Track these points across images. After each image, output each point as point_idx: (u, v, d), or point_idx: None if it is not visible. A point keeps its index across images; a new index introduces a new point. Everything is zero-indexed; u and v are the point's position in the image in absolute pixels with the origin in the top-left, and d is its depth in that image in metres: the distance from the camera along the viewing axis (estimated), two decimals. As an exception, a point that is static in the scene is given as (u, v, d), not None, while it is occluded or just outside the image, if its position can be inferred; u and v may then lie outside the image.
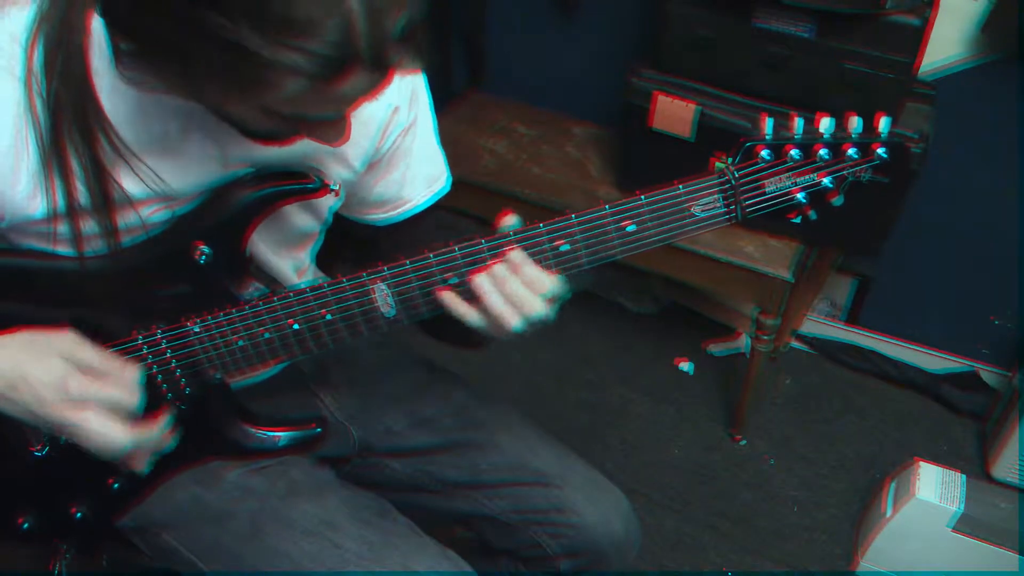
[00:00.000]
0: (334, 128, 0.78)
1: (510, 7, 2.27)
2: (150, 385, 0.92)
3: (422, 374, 1.23)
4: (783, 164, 0.83)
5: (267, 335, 0.92)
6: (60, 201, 0.80)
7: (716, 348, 2.40)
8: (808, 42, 1.64)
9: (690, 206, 0.85)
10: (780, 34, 1.65)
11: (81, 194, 0.80)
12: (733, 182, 0.84)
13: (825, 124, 0.82)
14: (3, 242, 0.87)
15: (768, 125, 0.83)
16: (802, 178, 0.84)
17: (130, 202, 0.83)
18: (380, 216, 1.08)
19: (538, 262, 0.87)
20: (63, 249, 0.85)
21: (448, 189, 1.11)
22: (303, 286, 0.90)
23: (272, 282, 1.00)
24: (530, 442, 1.17)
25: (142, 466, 0.93)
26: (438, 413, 1.18)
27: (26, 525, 1.01)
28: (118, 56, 0.74)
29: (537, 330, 0.89)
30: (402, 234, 1.09)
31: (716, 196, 0.85)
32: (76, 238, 0.83)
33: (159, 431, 0.92)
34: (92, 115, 0.76)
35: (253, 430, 1.01)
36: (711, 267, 1.83)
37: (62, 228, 0.82)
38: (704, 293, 2.42)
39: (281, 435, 1.02)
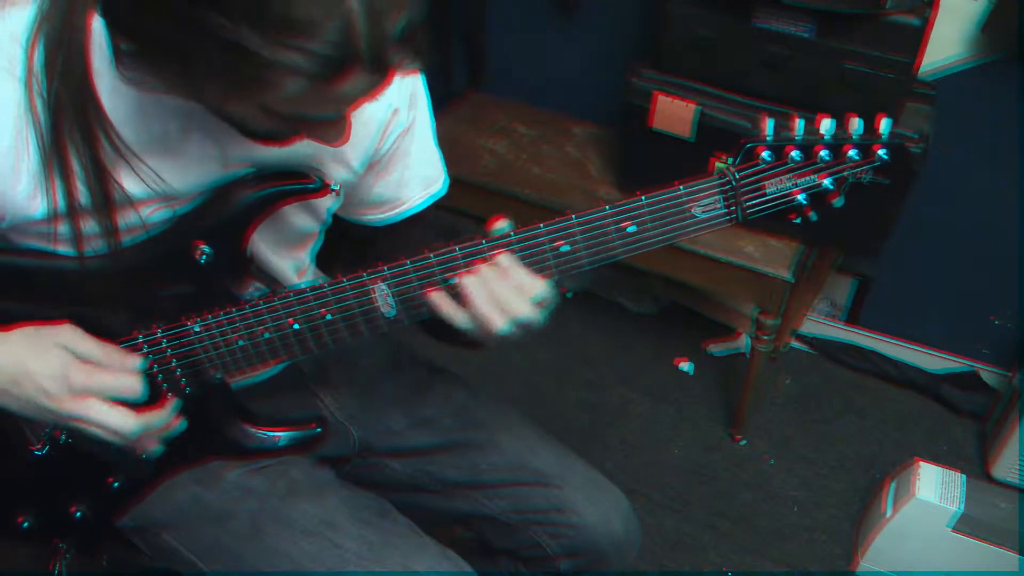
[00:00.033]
0: (334, 128, 0.78)
1: (510, 7, 2.27)
2: (152, 381, 0.92)
3: (422, 374, 1.23)
4: (784, 165, 0.83)
5: (267, 335, 0.92)
6: (60, 201, 0.80)
7: (716, 348, 2.40)
8: (808, 42, 1.64)
9: (691, 207, 0.85)
10: (780, 34, 1.65)
11: (81, 194, 0.80)
12: (734, 183, 0.84)
13: (826, 125, 0.82)
14: (3, 242, 0.88)
15: (769, 126, 0.83)
16: (803, 179, 0.84)
17: (130, 202, 0.84)
18: (377, 217, 1.08)
19: (538, 262, 0.87)
20: (63, 249, 0.86)
21: (445, 191, 1.11)
22: (303, 286, 0.90)
23: (272, 282, 1.00)
24: (530, 442, 1.17)
25: (153, 447, 0.94)
26: (438, 413, 1.18)
27: (26, 524, 1.02)
28: (118, 56, 0.74)
29: (528, 334, 0.89)
30: (398, 235, 1.10)
31: (717, 197, 0.85)
32: (76, 238, 0.83)
33: (166, 414, 0.92)
34: (93, 115, 0.76)
35: (253, 430, 1.01)
36: (711, 267, 1.83)
37: (62, 228, 0.83)
38: (704, 293, 2.42)
39: (281, 435, 1.02)
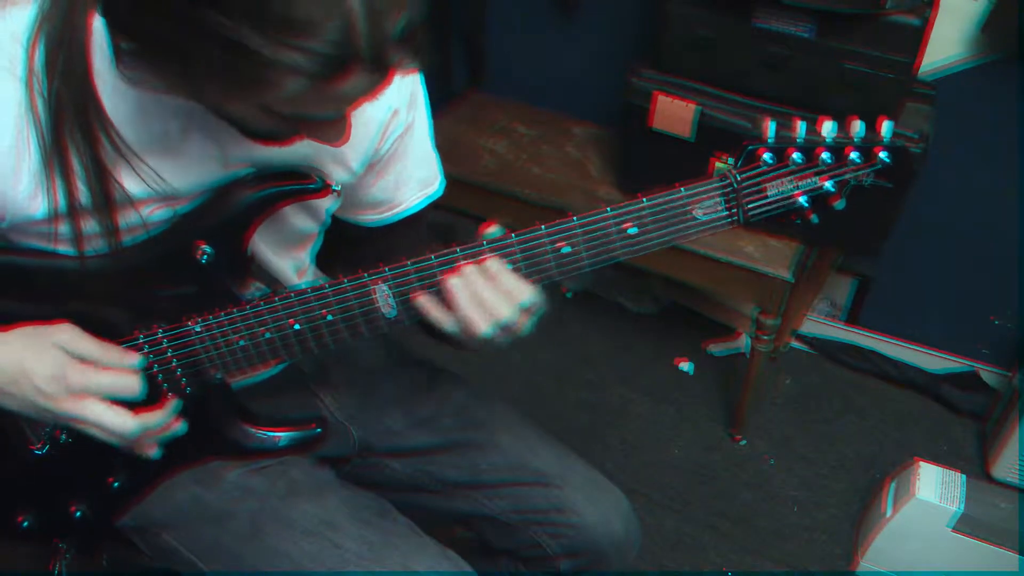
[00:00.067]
0: (334, 128, 0.78)
1: (510, 7, 2.27)
2: (152, 381, 0.92)
3: (422, 374, 1.23)
4: (785, 168, 0.83)
5: (268, 335, 0.92)
6: (61, 201, 0.80)
7: (716, 348, 2.40)
8: (808, 42, 1.64)
9: (692, 209, 0.85)
10: (780, 34, 1.65)
11: (82, 193, 0.80)
12: (735, 185, 0.84)
13: (827, 128, 0.82)
14: (4, 242, 0.87)
15: (771, 128, 0.83)
16: (804, 182, 0.84)
17: (131, 201, 0.84)
18: (373, 217, 1.08)
19: (540, 264, 0.87)
20: (64, 248, 0.86)
21: (441, 193, 1.11)
22: (304, 286, 0.90)
23: (273, 282, 1.00)
24: (530, 442, 1.17)
25: (151, 451, 0.94)
26: (438, 413, 1.18)
27: (26, 524, 1.02)
28: (118, 55, 0.74)
29: (514, 339, 0.90)
30: (394, 235, 1.10)
31: (718, 199, 0.85)
32: (77, 238, 0.83)
33: (165, 416, 0.92)
34: (93, 115, 0.76)
35: (253, 430, 1.01)
36: (711, 267, 1.83)
37: (63, 228, 0.83)
38: (704, 293, 2.42)
39: (281, 435, 1.02)
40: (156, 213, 0.87)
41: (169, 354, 0.93)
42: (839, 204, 0.85)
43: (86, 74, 0.74)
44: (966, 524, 1.65)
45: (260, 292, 0.94)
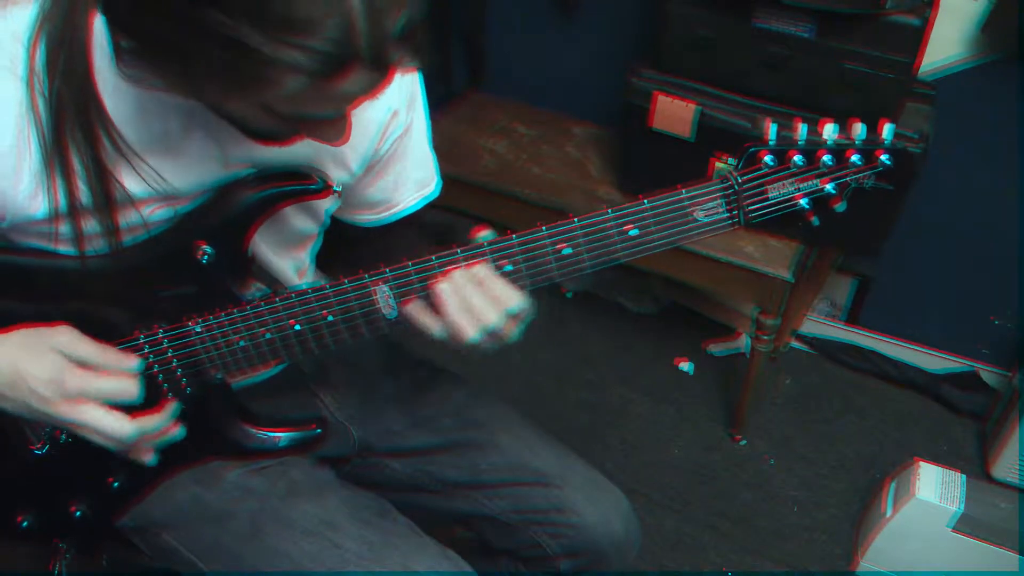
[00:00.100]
0: (334, 127, 0.78)
1: (510, 7, 2.27)
2: (151, 382, 0.92)
3: (422, 374, 1.23)
4: (786, 170, 0.83)
5: (268, 335, 0.92)
6: (62, 200, 0.80)
7: (716, 348, 2.40)
8: (808, 42, 1.64)
9: (693, 211, 0.85)
10: (780, 34, 1.65)
11: (83, 193, 0.80)
12: (736, 187, 0.84)
13: (829, 130, 0.82)
14: (4, 242, 0.87)
15: (772, 130, 0.83)
16: (805, 184, 0.84)
17: (132, 201, 0.84)
18: (370, 217, 1.09)
19: (540, 265, 0.87)
20: (64, 248, 0.86)
21: (438, 194, 1.11)
22: (305, 286, 0.90)
23: (274, 282, 1.00)
24: (530, 442, 1.17)
25: (148, 457, 0.94)
26: (438, 413, 1.18)
27: (25, 524, 1.02)
28: (119, 54, 0.74)
29: (501, 345, 0.90)
30: (391, 236, 1.10)
31: (719, 201, 0.85)
32: (78, 237, 0.83)
33: (163, 420, 0.92)
34: (94, 114, 0.76)
35: (253, 430, 1.01)
36: (711, 267, 1.83)
37: (64, 227, 0.82)
38: (704, 293, 2.42)
39: (281, 435, 1.02)
40: (157, 213, 0.87)
41: (169, 354, 0.93)
42: (840, 206, 0.85)
43: (87, 73, 0.74)
44: (966, 524, 1.65)
45: (260, 292, 0.94)
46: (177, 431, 0.95)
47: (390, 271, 0.88)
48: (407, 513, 1.09)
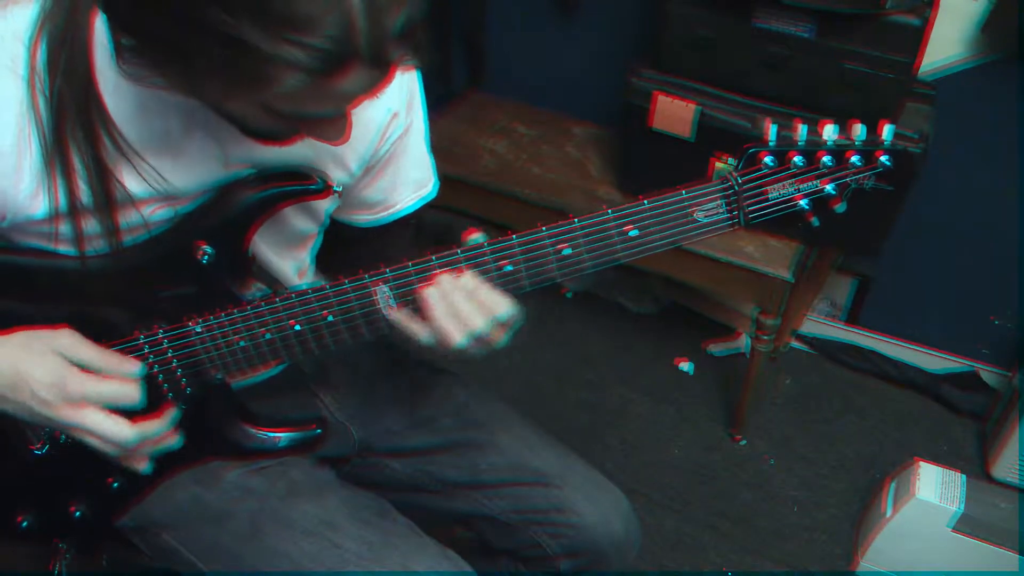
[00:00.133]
0: (334, 127, 0.78)
1: (510, 7, 2.27)
2: (152, 384, 0.92)
3: (422, 374, 1.23)
4: (786, 170, 0.84)
5: (268, 335, 0.92)
6: (62, 200, 0.80)
7: (716, 348, 2.40)
8: (808, 42, 1.64)
9: (693, 211, 0.85)
10: (780, 34, 1.65)
11: (83, 193, 0.80)
12: (736, 188, 0.84)
13: (828, 130, 0.83)
14: (4, 241, 0.87)
15: (772, 131, 0.83)
16: (805, 185, 0.84)
17: (132, 201, 0.84)
18: (367, 218, 1.09)
19: (541, 266, 0.87)
20: (65, 248, 0.85)
21: (434, 195, 1.11)
22: (305, 287, 0.90)
23: (274, 282, 1.00)
24: (530, 442, 1.17)
25: (143, 465, 0.93)
26: (438, 413, 1.18)
27: (25, 524, 1.02)
28: (119, 51, 0.74)
29: (489, 351, 0.91)
30: (388, 236, 1.10)
31: (719, 201, 0.85)
32: (78, 237, 0.83)
33: (163, 426, 0.92)
34: (95, 113, 0.76)
35: (253, 430, 1.01)
36: (711, 267, 1.83)
37: (64, 227, 0.82)
38: (704, 293, 2.42)
39: (281, 436, 1.02)
40: (157, 213, 0.87)
41: (169, 354, 0.93)
42: (840, 207, 0.85)
43: (88, 73, 0.75)
44: (966, 524, 1.65)
45: (260, 292, 0.94)
46: (175, 439, 0.95)
47: (390, 271, 0.88)
48: (407, 513, 1.09)
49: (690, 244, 1.80)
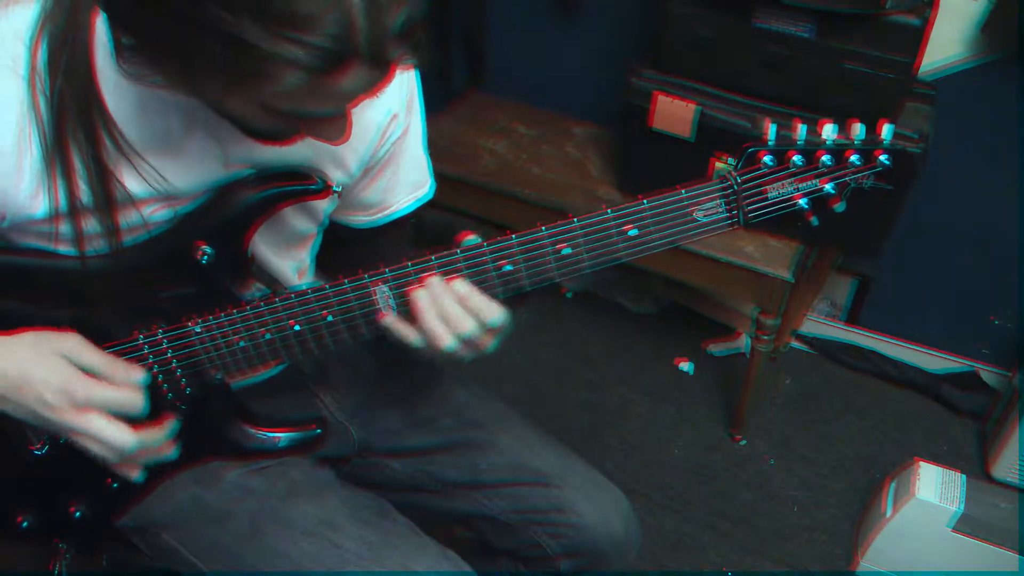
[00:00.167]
0: (334, 126, 0.78)
1: (510, 7, 2.27)
2: (153, 392, 0.92)
3: (422, 374, 1.23)
4: (786, 170, 0.84)
5: (268, 336, 0.92)
6: (62, 200, 0.80)
7: (716, 348, 2.40)
8: (808, 42, 1.64)
9: (692, 211, 0.85)
10: (780, 34, 1.65)
11: (83, 193, 0.80)
12: (736, 187, 0.84)
13: (828, 130, 0.83)
14: (4, 242, 0.87)
15: (771, 130, 0.83)
16: (804, 184, 0.84)
17: (132, 201, 0.84)
18: (362, 219, 1.09)
19: (540, 265, 0.87)
20: (64, 248, 0.85)
21: (431, 196, 1.11)
22: (304, 287, 0.90)
23: (273, 282, 1.00)
24: (530, 442, 1.18)
25: (136, 473, 0.94)
26: (438, 413, 1.18)
27: (25, 524, 1.02)
28: (119, 50, 0.74)
29: (478, 355, 0.91)
30: (384, 237, 1.10)
31: (718, 201, 0.85)
32: (78, 237, 0.83)
33: (163, 435, 0.92)
34: (96, 113, 0.76)
35: (253, 431, 1.01)
36: (711, 267, 1.83)
37: (64, 227, 0.82)
38: (704, 293, 2.42)
39: (281, 436, 1.02)
40: (157, 213, 0.87)
41: (169, 355, 0.93)
42: (839, 206, 0.85)
43: (89, 72, 0.74)
44: (966, 524, 1.65)
45: (260, 293, 0.94)
46: (171, 450, 0.95)
47: (389, 271, 0.88)
48: (407, 513, 1.09)
49: (690, 244, 1.81)
